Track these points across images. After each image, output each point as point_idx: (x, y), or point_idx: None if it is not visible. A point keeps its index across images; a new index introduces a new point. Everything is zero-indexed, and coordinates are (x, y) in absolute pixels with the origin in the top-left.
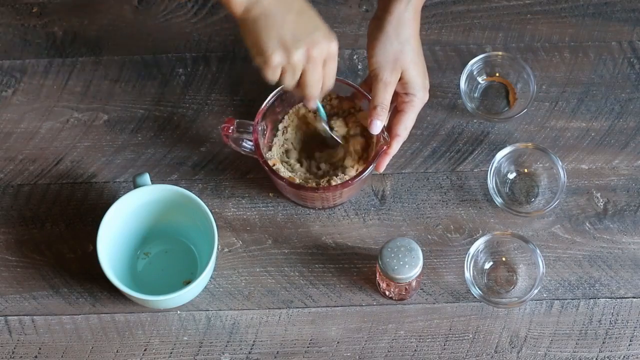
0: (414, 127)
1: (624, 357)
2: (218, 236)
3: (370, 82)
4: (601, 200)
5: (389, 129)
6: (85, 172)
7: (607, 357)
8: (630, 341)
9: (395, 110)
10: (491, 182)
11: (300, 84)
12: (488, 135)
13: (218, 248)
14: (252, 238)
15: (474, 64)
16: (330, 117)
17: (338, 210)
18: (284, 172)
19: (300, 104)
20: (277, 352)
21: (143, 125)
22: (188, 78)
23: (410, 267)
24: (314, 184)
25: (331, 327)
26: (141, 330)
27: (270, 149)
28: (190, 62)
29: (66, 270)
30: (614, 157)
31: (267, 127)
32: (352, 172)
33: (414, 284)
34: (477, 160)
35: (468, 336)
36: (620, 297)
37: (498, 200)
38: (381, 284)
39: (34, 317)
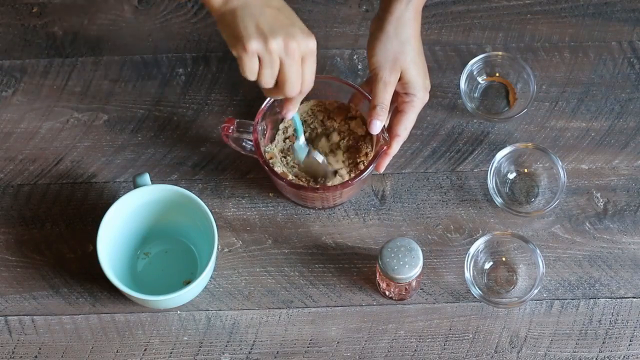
0: (414, 127)
1: (624, 357)
2: (218, 236)
3: (371, 82)
4: (601, 200)
5: (389, 129)
6: (85, 172)
7: (607, 357)
8: (630, 341)
9: (396, 111)
10: (491, 182)
11: (279, 82)
12: (488, 135)
13: (218, 248)
14: (252, 238)
15: (474, 64)
16: (321, 136)
17: (338, 210)
18: (279, 167)
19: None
20: (277, 352)
21: (143, 125)
22: (188, 78)
23: (410, 267)
24: (313, 184)
25: (331, 327)
26: (141, 330)
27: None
28: (190, 62)
29: (66, 270)
30: (614, 157)
31: (267, 127)
32: (346, 177)
33: (414, 284)
34: (477, 160)
35: (468, 336)
36: (620, 297)
37: (498, 200)
38: (381, 284)
39: (34, 317)
